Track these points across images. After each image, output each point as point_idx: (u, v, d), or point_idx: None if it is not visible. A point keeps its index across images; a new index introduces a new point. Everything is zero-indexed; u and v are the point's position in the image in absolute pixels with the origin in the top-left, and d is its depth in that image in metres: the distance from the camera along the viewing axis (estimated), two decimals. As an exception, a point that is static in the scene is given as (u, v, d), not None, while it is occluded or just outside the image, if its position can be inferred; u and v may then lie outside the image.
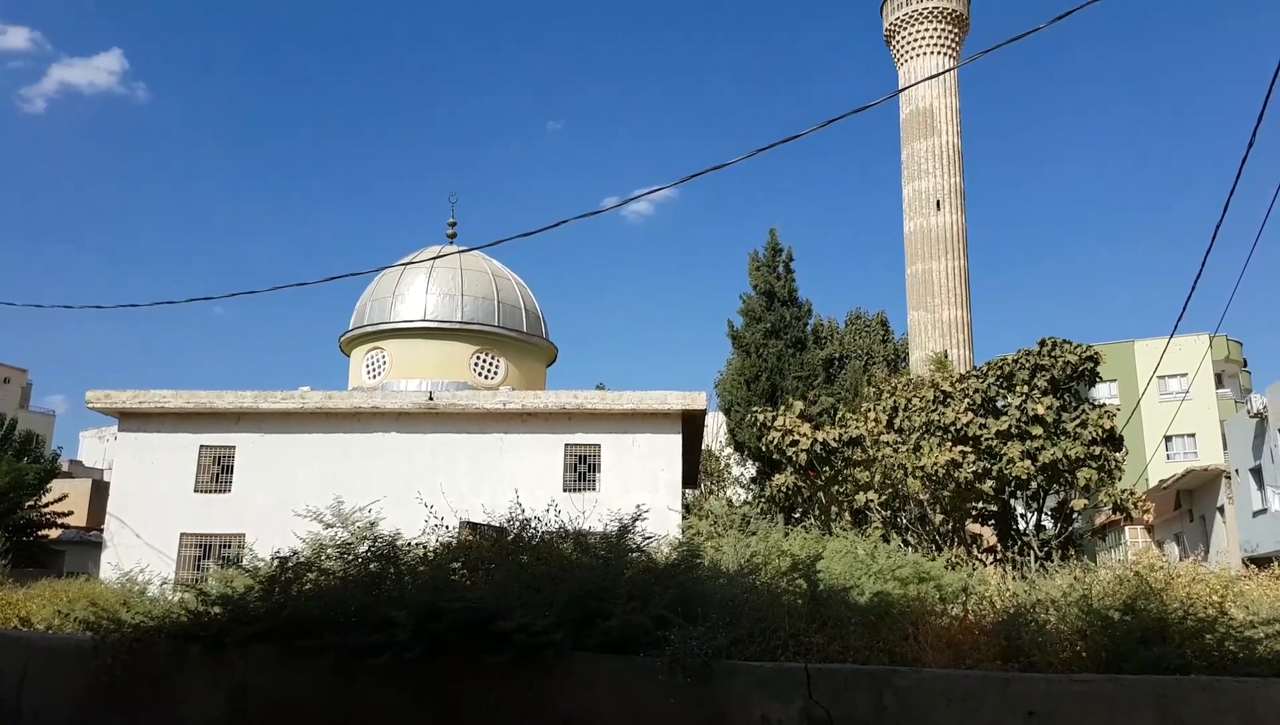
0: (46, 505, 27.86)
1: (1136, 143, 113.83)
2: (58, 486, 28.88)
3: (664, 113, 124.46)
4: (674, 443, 22.04)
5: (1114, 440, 16.83)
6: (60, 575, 18.88)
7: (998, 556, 15.93)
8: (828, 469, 17.71)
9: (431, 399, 22.42)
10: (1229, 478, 29.14)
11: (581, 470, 22.15)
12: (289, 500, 20.29)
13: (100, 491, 29.05)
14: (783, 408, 19.52)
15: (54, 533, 28.69)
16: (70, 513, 28.51)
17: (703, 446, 30.28)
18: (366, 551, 7.13)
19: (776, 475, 18.55)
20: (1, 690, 7.36)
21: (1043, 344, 18.23)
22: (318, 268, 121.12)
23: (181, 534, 21.79)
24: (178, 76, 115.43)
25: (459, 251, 28.92)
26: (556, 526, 7.77)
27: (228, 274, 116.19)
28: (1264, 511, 25.46)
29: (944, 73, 26.29)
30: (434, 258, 29.14)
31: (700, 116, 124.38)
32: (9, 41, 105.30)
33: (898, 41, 36.74)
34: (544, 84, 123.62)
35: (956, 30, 36.22)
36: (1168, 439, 43.66)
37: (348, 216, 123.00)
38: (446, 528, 8.62)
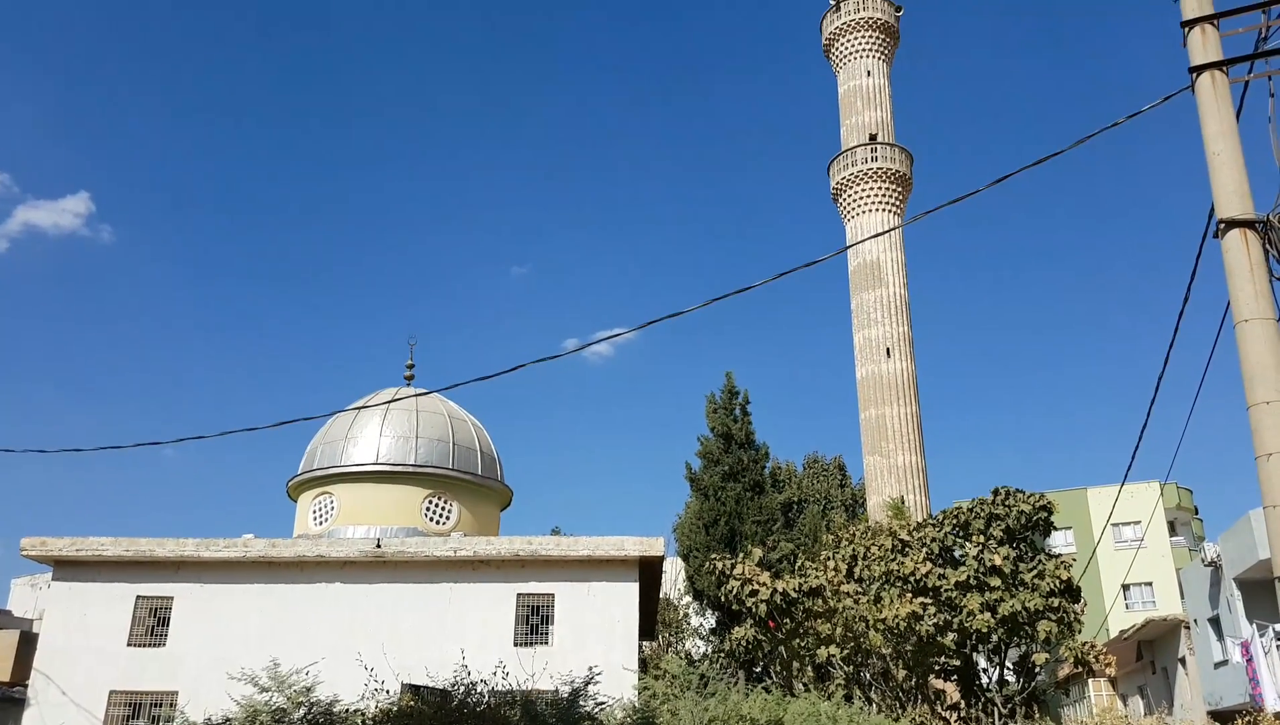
0: (-35, 659, 26.14)
1: (1079, 293, 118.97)
2: (-21, 638, 27.21)
3: (625, 257, 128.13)
4: (631, 591, 21.52)
5: (1072, 591, 16.80)
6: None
7: (961, 714, 15.54)
8: (788, 621, 17.37)
9: (379, 546, 21.80)
10: (1188, 628, 29.03)
11: (534, 622, 21.44)
12: (226, 656, 19.34)
13: (28, 643, 27.36)
14: (741, 555, 19.28)
15: (-30, 689, 26.82)
16: (-9, 667, 26.76)
17: (661, 594, 29.63)
18: (302, 718, 6.77)
19: (736, 628, 18.13)
20: None
21: (996, 493, 18.41)
22: (271, 409, 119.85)
23: (111, 692, 20.48)
24: (142, 219, 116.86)
25: (415, 394, 28.83)
26: (504, 689, 7.46)
27: (179, 416, 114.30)
28: (1225, 663, 25.27)
29: (888, 231, 27.67)
30: (389, 401, 29.01)
31: (661, 262, 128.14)
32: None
33: (845, 199, 38.58)
34: (511, 228, 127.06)
35: (900, 189, 38.18)
36: (1125, 588, 43.67)
37: (305, 357, 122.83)
38: (387, 692, 8.24)
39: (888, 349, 36.81)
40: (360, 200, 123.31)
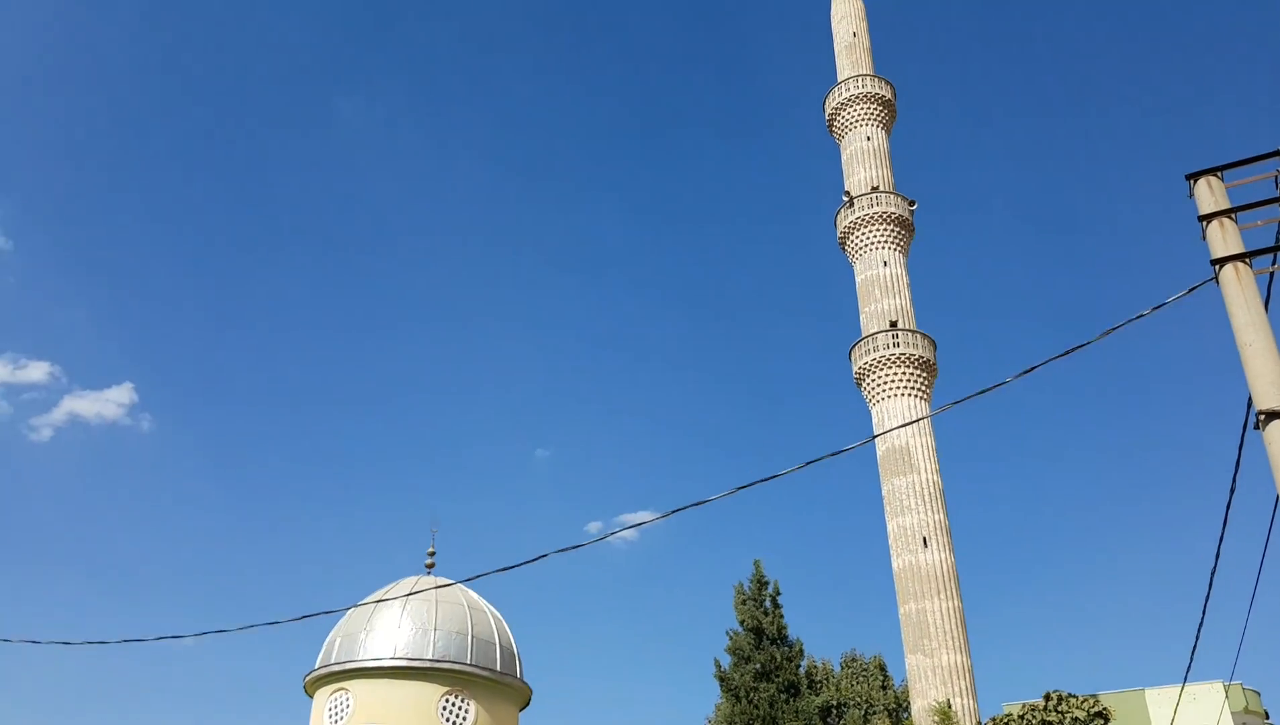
0: None
1: (1121, 481, 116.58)
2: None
3: (650, 440, 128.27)
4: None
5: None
6: None
7: None
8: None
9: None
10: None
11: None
12: None
13: None
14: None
15: None
16: None
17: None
18: None
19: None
20: None
21: (1048, 698, 17.25)
22: (294, 597, 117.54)
23: None
24: (180, 408, 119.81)
25: (436, 586, 28.19)
26: None
27: (201, 606, 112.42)
28: None
29: (915, 421, 27.50)
30: (408, 594, 28.36)
31: (686, 445, 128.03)
32: (29, 375, 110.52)
33: (868, 384, 38.71)
34: (535, 412, 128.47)
35: (925, 374, 38.31)
36: (1195, 799, 40.02)
37: (328, 542, 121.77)
38: None
39: (924, 538, 35.75)
40: (384, 384, 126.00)
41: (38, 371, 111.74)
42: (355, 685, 27.25)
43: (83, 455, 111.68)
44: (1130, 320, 9.93)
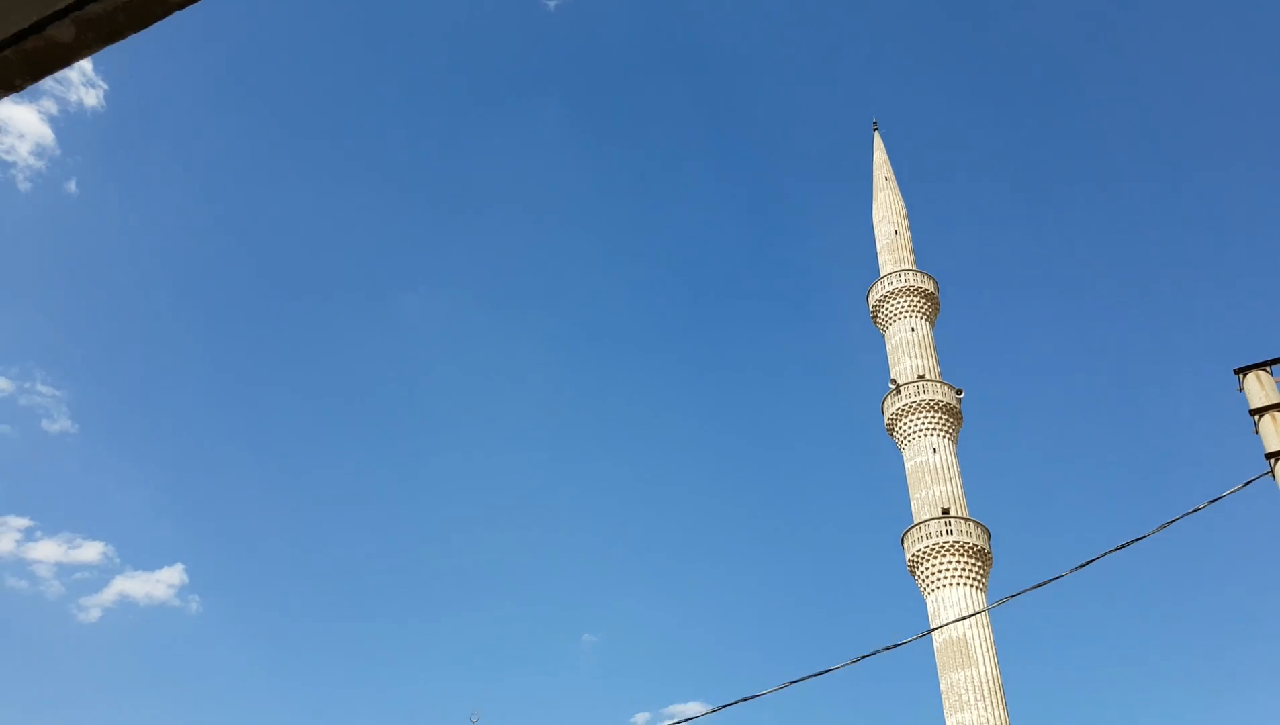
0: None
1: (1189, 675, 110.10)
2: None
3: (698, 629, 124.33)
4: None
5: None
6: None
7: None
8: None
9: None
10: None
11: None
12: None
13: None
14: None
15: None
16: None
17: None
18: None
19: None
20: None
21: None
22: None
23: None
24: (229, 590, 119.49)
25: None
26: None
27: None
28: None
29: (974, 614, 27.21)
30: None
31: (736, 635, 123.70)
32: (83, 555, 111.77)
33: (922, 572, 38.17)
34: (582, 597, 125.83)
35: (980, 563, 37.76)
36: None
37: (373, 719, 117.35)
38: None
39: (986, 739, 34.22)
40: (433, 567, 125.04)
41: (91, 552, 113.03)
42: None
43: (130, 636, 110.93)
44: (1187, 513, 10.31)
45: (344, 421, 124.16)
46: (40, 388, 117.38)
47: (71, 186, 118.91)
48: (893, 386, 42.34)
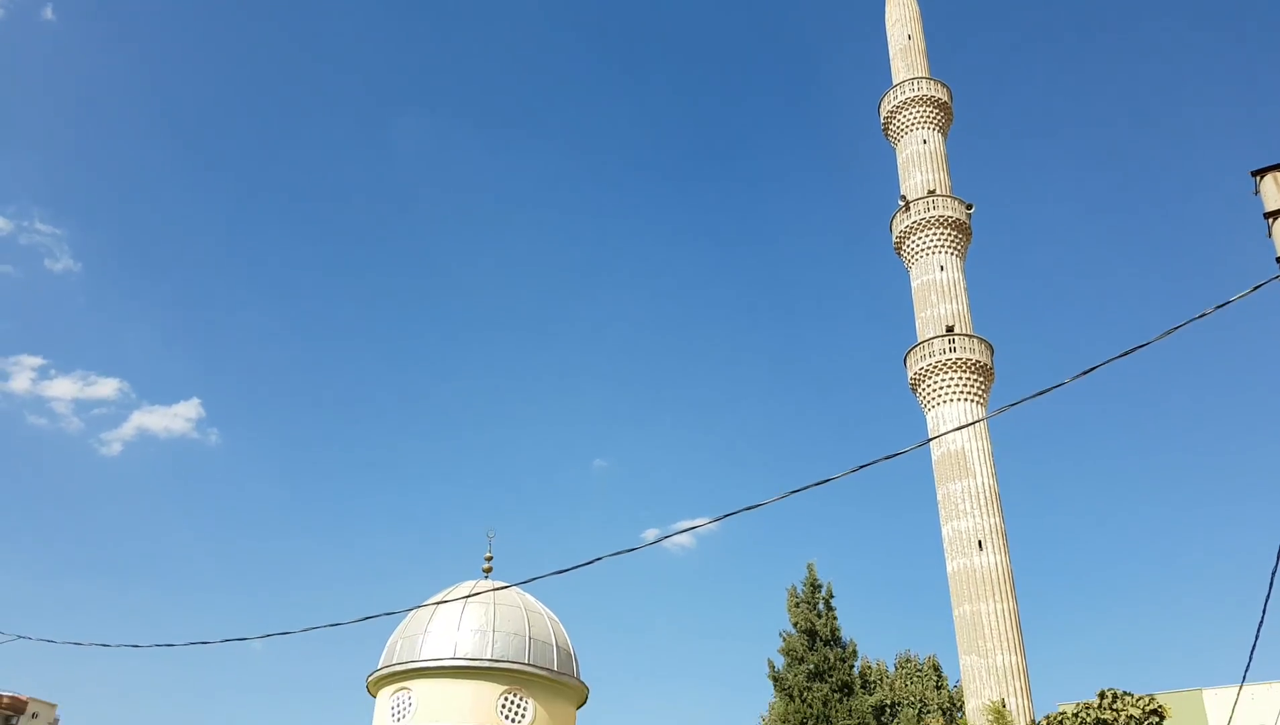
0: None
1: (1182, 481, 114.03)
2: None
3: (706, 449, 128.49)
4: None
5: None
6: None
7: None
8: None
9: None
10: None
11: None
12: None
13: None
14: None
15: None
16: None
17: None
18: None
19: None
20: None
21: (1102, 696, 17.35)
22: (355, 600, 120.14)
23: None
24: (246, 421, 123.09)
25: (494, 588, 28.97)
26: None
27: (266, 610, 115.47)
28: None
29: (971, 423, 27.50)
30: (467, 596, 29.13)
31: (741, 454, 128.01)
32: (99, 391, 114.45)
33: (923, 389, 38.63)
34: (592, 422, 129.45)
35: (982, 379, 38.12)
36: (1257, 804, 39.24)
37: (388, 548, 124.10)
38: None
39: (979, 542, 35.65)
40: (445, 395, 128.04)
41: (107, 388, 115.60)
42: (416, 684, 28.10)
43: (152, 468, 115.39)
44: (1191, 319, 9.89)
45: (349, 253, 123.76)
46: (39, 226, 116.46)
47: (48, 14, 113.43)
48: (902, 203, 41.42)
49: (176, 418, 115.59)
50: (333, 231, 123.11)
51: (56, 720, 61.46)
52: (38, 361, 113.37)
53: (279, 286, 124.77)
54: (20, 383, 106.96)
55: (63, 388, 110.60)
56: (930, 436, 37.23)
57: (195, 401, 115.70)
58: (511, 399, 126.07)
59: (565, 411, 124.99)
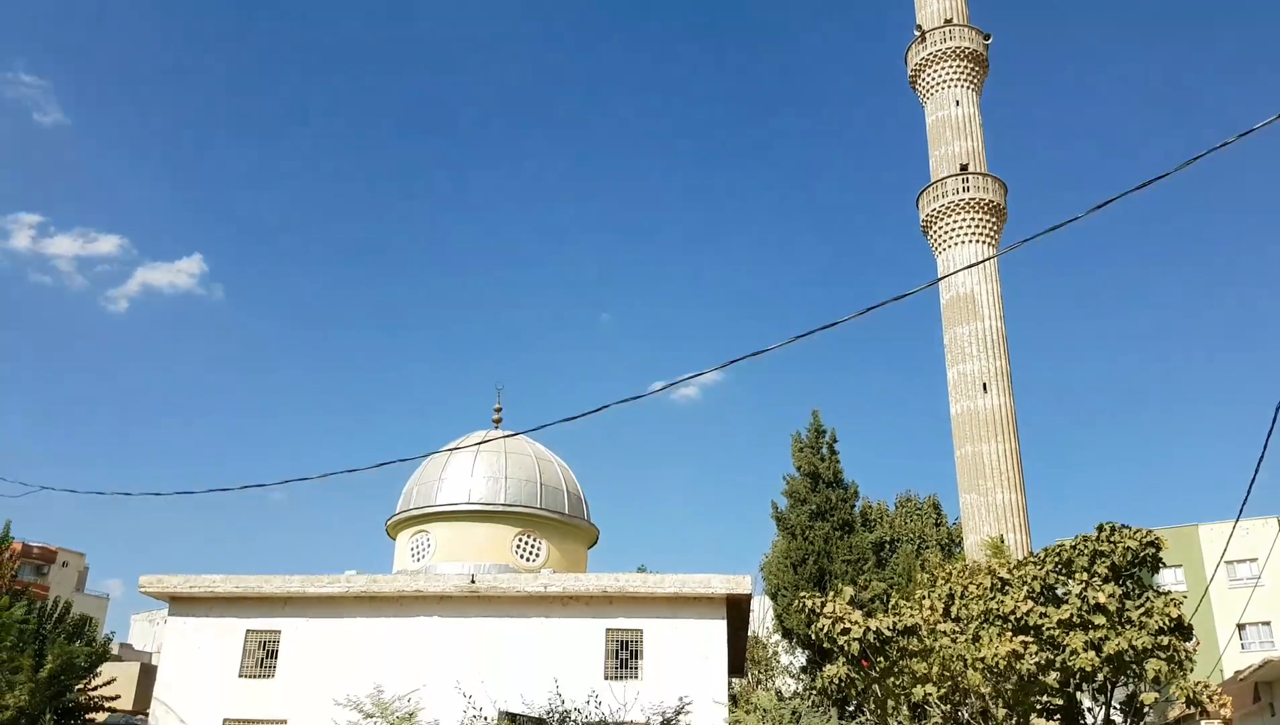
0: (95, 689, 27.65)
1: (1185, 322, 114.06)
2: (107, 670, 28.71)
3: (713, 300, 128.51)
4: (719, 629, 21.48)
5: (1183, 629, 16.07)
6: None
7: (1066, 756, 14.97)
8: (882, 659, 17.06)
9: (473, 581, 22.32)
10: (1314, 671, 27.22)
11: (623, 656, 21.57)
12: (332, 686, 20.03)
13: (148, 675, 28.82)
14: (831, 594, 19.04)
15: (100, 716, 28.30)
16: (117, 696, 28.19)
17: (749, 633, 29.36)
18: (408, 742, 7.08)
19: (828, 666, 17.87)
20: None
21: (1100, 529, 17.77)
22: (368, 453, 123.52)
23: (225, 720, 21.44)
24: (251, 276, 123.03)
25: (503, 436, 29.56)
26: (597, 719, 7.64)
27: (283, 460, 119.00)
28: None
29: (982, 262, 27.19)
30: (479, 443, 29.77)
31: (749, 304, 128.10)
32: (100, 248, 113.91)
33: (935, 231, 38.08)
34: (599, 275, 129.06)
35: (994, 219, 37.50)
36: (1241, 627, 41.29)
37: (399, 402, 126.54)
38: (485, 719, 8.53)
39: (984, 384, 36.00)
40: (450, 250, 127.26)
41: (108, 245, 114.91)
42: (434, 527, 29.15)
43: (159, 324, 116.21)
44: (1212, 149, 9.53)
45: (355, 102, 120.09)
46: (24, 77, 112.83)
47: None
48: (918, 34, 39.64)
49: (180, 273, 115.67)
50: (335, 63, 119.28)
51: (86, 569, 64.29)
52: (35, 219, 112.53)
53: (278, 131, 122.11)
54: (20, 241, 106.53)
55: (63, 245, 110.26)
56: (940, 275, 36.95)
57: (197, 257, 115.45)
58: (517, 255, 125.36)
59: (571, 266, 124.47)
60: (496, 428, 31.74)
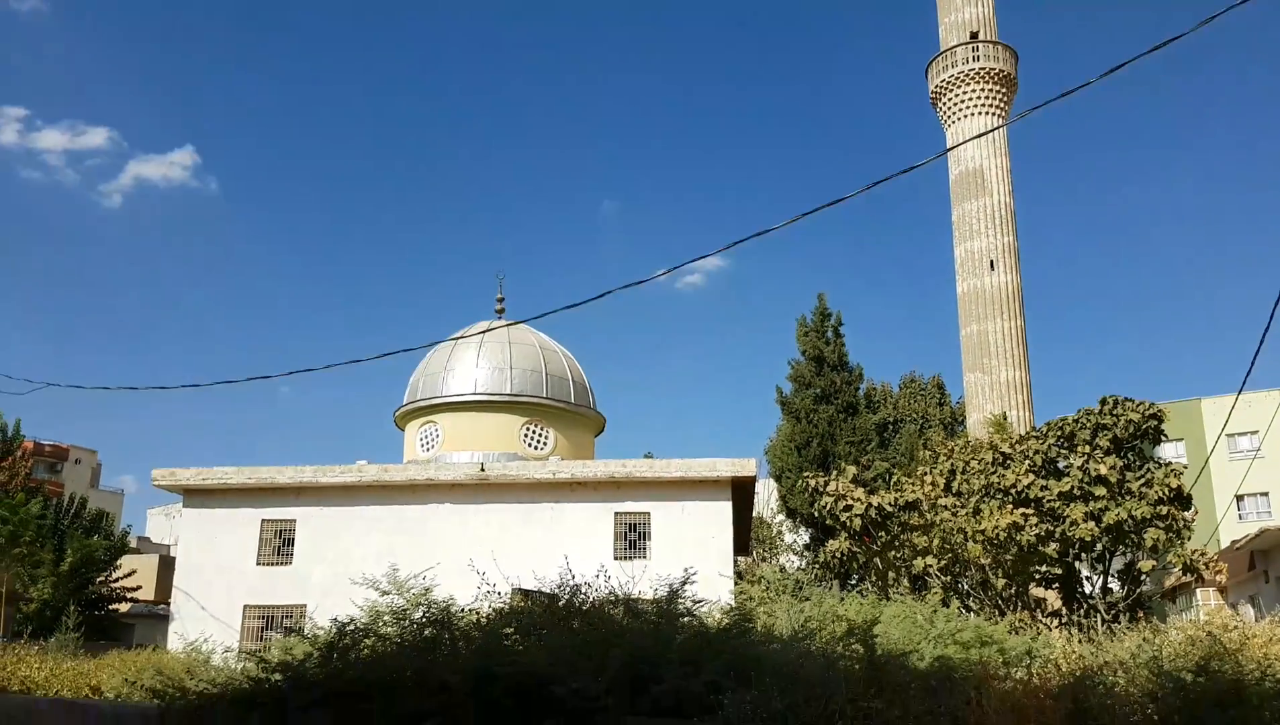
0: (116, 580, 28.49)
1: (1198, 193, 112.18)
2: (127, 562, 29.55)
3: (718, 183, 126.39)
4: (724, 510, 21.86)
5: (1182, 499, 16.31)
6: (130, 647, 19.26)
7: (1063, 621, 15.40)
8: (883, 534, 17.40)
9: (483, 470, 22.64)
10: (1309, 538, 27.85)
11: (632, 538, 22.07)
12: (348, 572, 20.50)
13: (167, 566, 29.63)
14: (835, 473, 19.31)
15: (124, 607, 29.27)
16: (139, 587, 29.09)
17: (754, 514, 29.92)
18: (421, 617, 7.20)
19: (830, 541, 18.27)
20: (70, 760, 7.52)
21: (1104, 403, 17.85)
22: (371, 346, 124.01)
23: (245, 606, 22.09)
24: (245, 168, 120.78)
25: (506, 325, 29.48)
26: (607, 592, 7.77)
27: (294, 354, 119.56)
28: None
29: (993, 130, 26.38)
30: (483, 332, 29.69)
31: (756, 188, 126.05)
32: (89, 141, 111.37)
33: (944, 103, 37.02)
34: (602, 161, 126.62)
35: (1004, 90, 36.39)
36: (1239, 498, 42.03)
37: (403, 295, 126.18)
38: (499, 594, 8.69)
39: (991, 262, 35.64)
40: (451, 136, 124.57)
41: (97, 137, 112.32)
42: (442, 417, 29.40)
43: (155, 219, 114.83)
44: (1230, 7, 9.12)
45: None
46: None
47: None
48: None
49: (173, 166, 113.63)
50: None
51: (98, 466, 65.37)
52: (21, 112, 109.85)
53: (266, 13, 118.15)
54: (7, 135, 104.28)
55: (52, 139, 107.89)
56: (949, 146, 36.10)
57: (189, 149, 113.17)
58: (518, 141, 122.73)
59: (572, 152, 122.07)
60: (499, 317, 31.64)
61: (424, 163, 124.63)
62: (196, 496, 23.26)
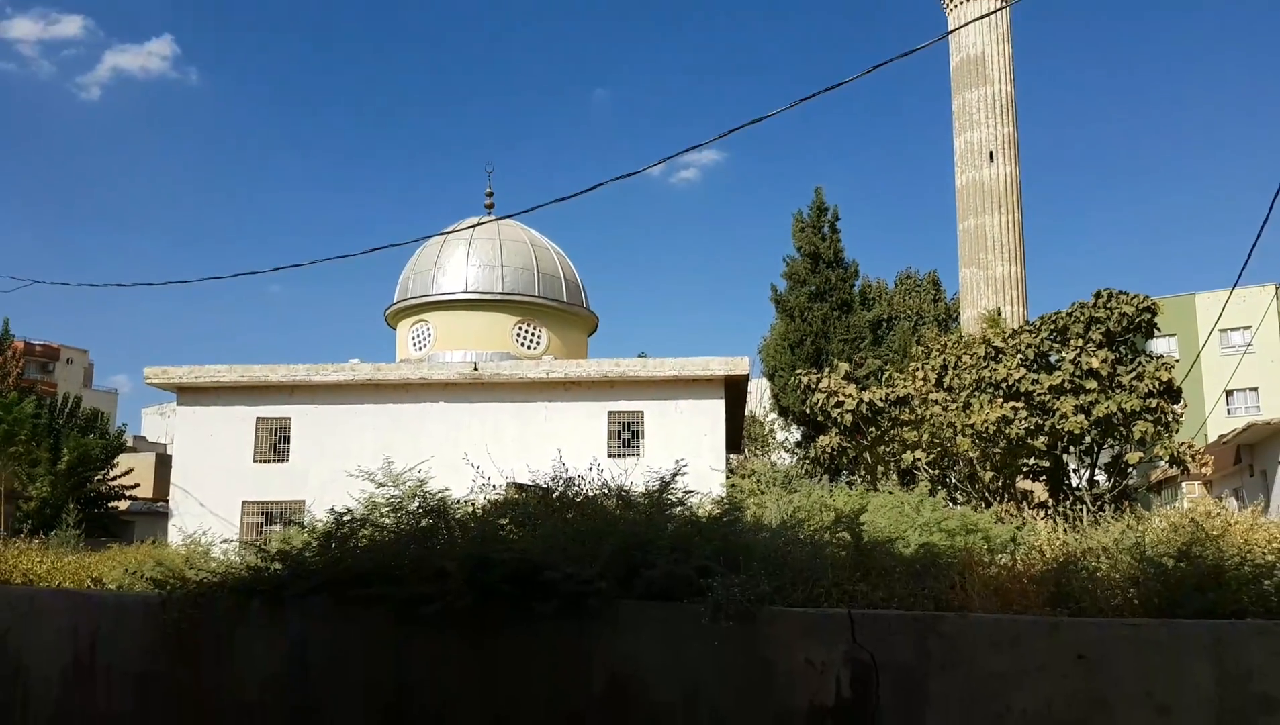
0: (114, 479, 28.84)
1: (1199, 86, 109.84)
2: (124, 461, 29.86)
3: (712, 75, 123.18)
4: (717, 408, 22.04)
5: (1172, 392, 16.43)
6: (130, 543, 19.59)
7: (1049, 511, 15.71)
8: (874, 430, 17.57)
9: (476, 370, 22.68)
10: (1293, 431, 28.29)
11: (625, 437, 22.30)
12: (344, 468, 20.72)
13: (164, 464, 29.98)
14: (827, 370, 19.37)
15: (123, 504, 29.74)
16: (137, 485, 29.49)
17: (747, 413, 30.20)
18: (418, 508, 7.28)
19: (821, 437, 18.45)
20: (76, 648, 7.68)
21: (1098, 296, 17.81)
22: (360, 241, 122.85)
23: (244, 502, 22.45)
24: (226, 59, 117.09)
25: (495, 220, 29.10)
26: (600, 485, 7.85)
27: (281, 252, 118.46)
28: (1330, 466, 24.67)
29: (995, 11, 25.50)
30: (473, 226, 29.31)
31: (750, 80, 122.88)
32: (63, 30, 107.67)
33: (945, -12, 35.79)
34: (590, 50, 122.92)
35: (1006, -25, 35.16)
36: (1229, 393, 42.53)
37: (391, 191, 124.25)
38: (494, 487, 8.78)
39: (990, 153, 35.06)
40: (437, 27, 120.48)
41: (72, 26, 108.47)
42: (433, 316, 29.28)
43: (136, 111, 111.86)
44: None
45: None
46: None
47: None
48: None
49: (151, 56, 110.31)
50: None
51: (91, 366, 65.43)
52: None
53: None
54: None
55: (24, 28, 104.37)
56: (951, 28, 35.07)
57: (167, 38, 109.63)
58: (507, 25, 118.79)
59: (562, 37, 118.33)
60: (489, 213, 31.21)
61: (411, 52, 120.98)
62: (190, 394, 23.32)
